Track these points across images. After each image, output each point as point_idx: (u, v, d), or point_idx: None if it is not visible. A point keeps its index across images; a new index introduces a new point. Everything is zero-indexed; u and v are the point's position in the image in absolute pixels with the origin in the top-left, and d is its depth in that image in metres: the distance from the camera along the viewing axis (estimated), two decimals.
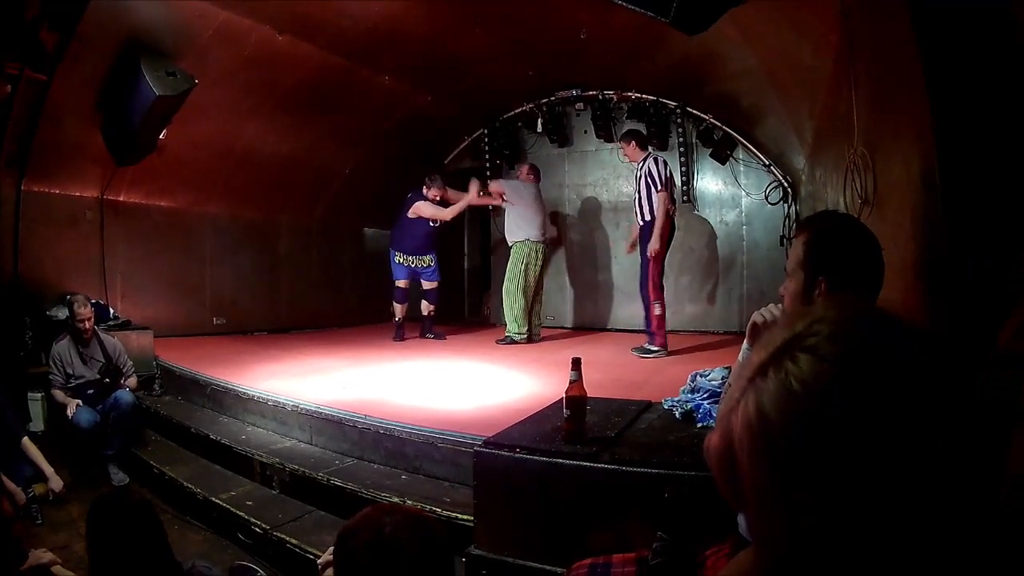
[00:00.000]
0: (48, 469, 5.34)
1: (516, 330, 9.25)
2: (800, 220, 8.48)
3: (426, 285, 10.34)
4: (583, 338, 10.24)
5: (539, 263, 9.47)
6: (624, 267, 10.90)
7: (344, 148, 11.20)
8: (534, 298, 9.52)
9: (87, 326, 6.62)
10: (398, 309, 10.18)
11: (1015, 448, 0.86)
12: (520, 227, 9.39)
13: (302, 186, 11.23)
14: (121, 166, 8.35)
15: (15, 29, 6.50)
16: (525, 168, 9.98)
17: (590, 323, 11.54)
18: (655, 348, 8.08)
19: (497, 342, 9.42)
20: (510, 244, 9.54)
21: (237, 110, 9.10)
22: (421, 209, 9.83)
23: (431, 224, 9.96)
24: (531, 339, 9.48)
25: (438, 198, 9.92)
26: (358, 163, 11.59)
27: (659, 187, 8.02)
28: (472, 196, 9.90)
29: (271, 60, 8.38)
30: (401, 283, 10.22)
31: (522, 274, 9.25)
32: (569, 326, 11.40)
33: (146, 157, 8.28)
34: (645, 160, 8.25)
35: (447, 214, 9.90)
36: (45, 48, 6.81)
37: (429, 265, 10.23)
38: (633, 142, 8.59)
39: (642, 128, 10.59)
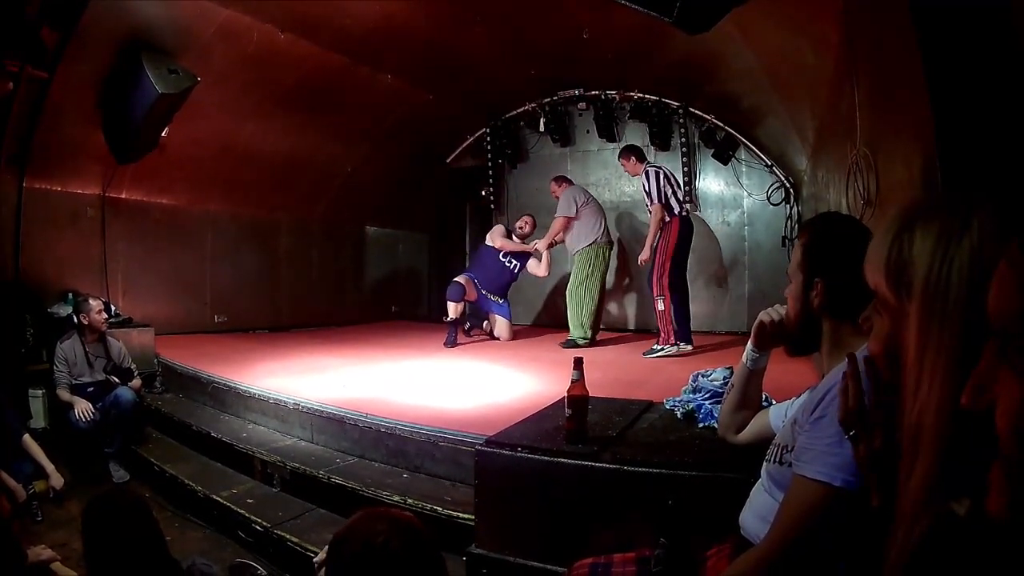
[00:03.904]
0: (49, 466, 5.32)
1: (580, 334, 9.02)
2: (802, 222, 8.54)
3: (499, 318, 10.15)
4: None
5: (604, 265, 9.28)
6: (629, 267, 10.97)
7: (345, 147, 11.20)
8: (600, 301, 9.35)
9: (103, 330, 6.71)
10: (451, 308, 9.66)
11: (993, 489, 0.88)
12: (582, 235, 9.19)
13: (303, 184, 11.23)
14: (122, 164, 8.34)
15: (16, 26, 6.49)
16: (553, 184, 9.83)
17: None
18: (658, 347, 8.12)
19: (562, 345, 9.25)
20: (572, 253, 9.40)
21: (238, 108, 9.11)
22: (495, 231, 9.99)
23: (508, 266, 9.95)
24: (592, 341, 9.30)
25: (519, 232, 9.98)
26: (359, 162, 11.60)
27: (651, 200, 8.26)
28: (543, 249, 9.74)
29: (272, 58, 8.39)
30: (460, 278, 9.85)
31: (590, 277, 9.05)
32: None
33: (147, 155, 8.26)
34: (644, 173, 8.39)
35: (508, 243, 9.89)
36: (46, 46, 6.79)
37: (498, 301, 10.10)
38: (632, 157, 8.81)
39: (644, 128, 10.84)
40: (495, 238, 9.87)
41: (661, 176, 8.27)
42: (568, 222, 9.20)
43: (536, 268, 9.97)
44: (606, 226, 9.30)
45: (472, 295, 9.90)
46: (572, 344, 8.94)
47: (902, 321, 1.17)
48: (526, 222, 10.00)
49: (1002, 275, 0.87)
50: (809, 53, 5.91)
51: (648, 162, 8.78)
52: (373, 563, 1.86)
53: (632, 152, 8.87)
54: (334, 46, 8.71)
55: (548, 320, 11.88)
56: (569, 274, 9.34)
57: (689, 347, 8.26)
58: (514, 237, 9.93)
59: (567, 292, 9.24)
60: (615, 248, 9.86)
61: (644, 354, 8.14)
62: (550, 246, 9.64)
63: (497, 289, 10.02)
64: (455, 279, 9.86)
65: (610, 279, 10.71)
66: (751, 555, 1.88)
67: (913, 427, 1.12)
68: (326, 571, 2.00)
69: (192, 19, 7.49)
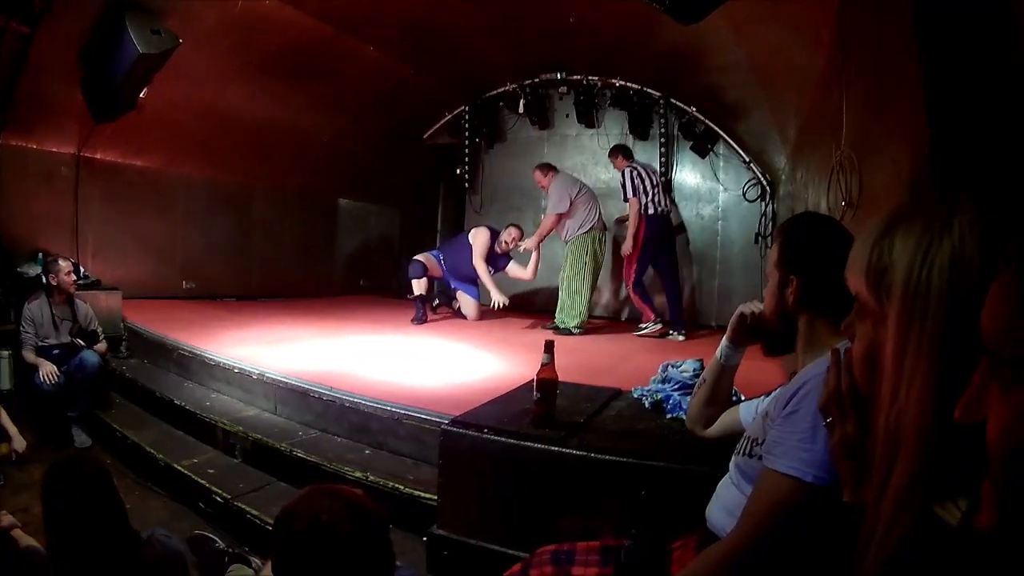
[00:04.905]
0: (12, 428, 5.24)
1: (576, 323, 8.88)
2: (778, 221, 8.69)
3: (467, 297, 10.07)
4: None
5: (603, 250, 9.19)
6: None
7: (324, 116, 11.12)
8: (593, 288, 9.22)
9: (71, 291, 6.64)
10: (415, 285, 9.61)
11: (984, 503, 0.89)
12: (576, 224, 9.05)
13: (279, 152, 11.13)
14: (100, 123, 8.23)
15: None
16: (538, 173, 9.60)
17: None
18: (643, 325, 8.68)
19: (544, 327, 9.26)
20: (565, 241, 9.22)
21: (219, 72, 9.00)
22: (479, 234, 9.62)
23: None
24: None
25: (503, 247, 9.64)
26: (337, 132, 11.54)
27: (627, 195, 8.84)
28: (533, 247, 9.51)
29: (257, 23, 8.28)
30: (421, 256, 9.78)
31: (586, 266, 8.95)
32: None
33: (125, 115, 8.15)
34: (623, 171, 8.99)
35: (480, 263, 9.52)
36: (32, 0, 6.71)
37: (469, 285, 9.99)
38: (619, 156, 9.49)
39: (624, 116, 10.94)
40: (477, 245, 9.57)
41: (635, 174, 8.82)
42: (559, 219, 9.10)
43: (521, 272, 9.76)
44: (600, 212, 9.21)
45: (436, 272, 9.86)
46: (567, 332, 8.83)
47: (882, 325, 1.17)
48: (513, 237, 9.64)
49: (993, 296, 0.88)
50: (799, 51, 5.91)
51: (630, 162, 9.20)
52: (318, 541, 1.86)
53: (620, 151, 9.44)
54: (319, 14, 8.60)
55: (518, 303, 11.85)
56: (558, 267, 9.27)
57: (681, 337, 8.46)
58: (497, 247, 9.66)
59: (562, 280, 9.11)
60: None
61: (635, 333, 8.70)
62: (539, 242, 9.46)
63: (464, 279, 9.93)
64: (415, 257, 9.79)
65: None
66: (717, 548, 1.88)
67: (892, 428, 1.13)
68: (272, 547, 1.99)
69: None
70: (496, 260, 9.73)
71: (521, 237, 9.65)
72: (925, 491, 1.05)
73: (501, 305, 9.18)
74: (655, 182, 9.03)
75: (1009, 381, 0.85)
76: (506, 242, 9.59)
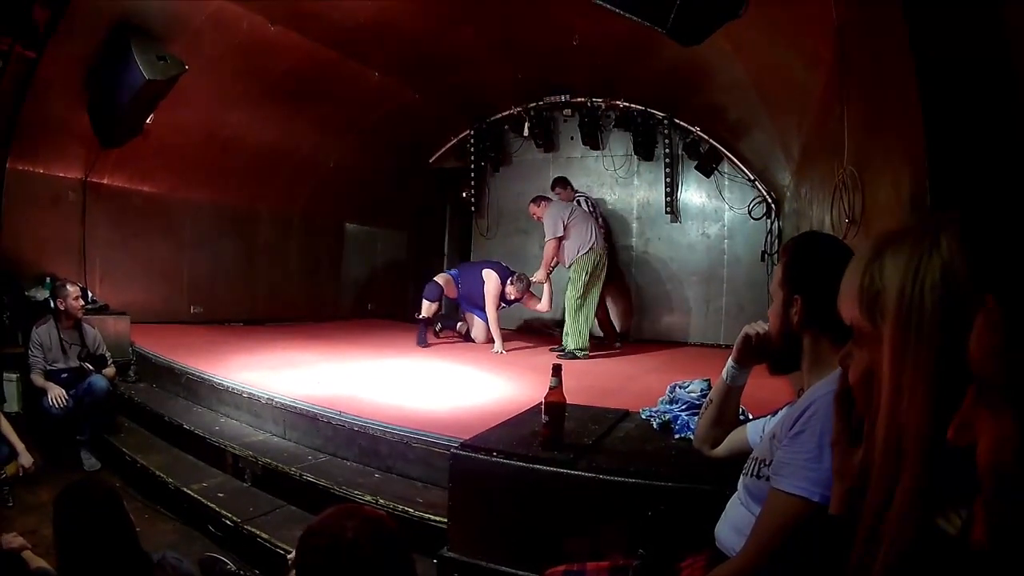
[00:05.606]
0: (19, 445, 5.26)
1: (579, 345, 8.83)
2: (783, 240, 8.67)
3: (477, 319, 10.02)
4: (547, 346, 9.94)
5: (602, 273, 9.13)
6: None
7: (329, 141, 11.17)
8: (595, 310, 9.18)
9: (79, 316, 6.65)
10: (425, 306, 9.62)
11: (977, 519, 0.90)
12: (575, 246, 9.01)
13: (285, 176, 11.19)
14: (106, 148, 8.26)
15: (7, 4, 6.45)
16: (532, 206, 9.74)
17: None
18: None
19: (552, 350, 9.23)
20: (568, 265, 9.14)
21: (224, 97, 9.06)
22: (491, 279, 9.46)
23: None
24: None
25: (512, 297, 9.51)
26: (342, 157, 11.57)
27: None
28: (543, 279, 9.44)
29: (261, 48, 8.36)
30: (439, 279, 9.79)
31: (587, 286, 8.90)
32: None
33: (131, 140, 8.19)
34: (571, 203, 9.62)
35: (493, 312, 9.46)
36: (36, 25, 6.74)
37: (479, 311, 9.89)
38: (568, 187, 10.20)
39: (628, 137, 11.05)
40: (489, 295, 9.46)
41: (592, 205, 9.89)
42: (559, 243, 9.06)
43: (537, 304, 9.74)
44: (597, 233, 9.16)
45: (452, 292, 9.82)
46: (571, 356, 8.74)
47: (878, 347, 1.18)
48: (519, 291, 9.50)
49: (980, 327, 0.90)
50: (800, 69, 5.92)
51: (576, 194, 10.14)
52: (341, 559, 1.86)
53: (565, 183, 10.22)
54: (323, 39, 8.68)
55: (526, 327, 11.85)
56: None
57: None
58: (507, 296, 9.56)
59: (566, 303, 9.05)
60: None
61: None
62: (548, 272, 9.39)
63: (475, 305, 9.87)
64: (434, 279, 9.78)
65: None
66: (727, 567, 1.89)
67: (892, 444, 1.13)
68: (296, 566, 2.00)
69: (183, 5, 7.46)
70: (505, 301, 9.69)
71: (528, 287, 9.61)
72: (926, 503, 1.06)
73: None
74: (597, 212, 10.00)
75: (995, 405, 0.88)
76: (515, 296, 9.51)
